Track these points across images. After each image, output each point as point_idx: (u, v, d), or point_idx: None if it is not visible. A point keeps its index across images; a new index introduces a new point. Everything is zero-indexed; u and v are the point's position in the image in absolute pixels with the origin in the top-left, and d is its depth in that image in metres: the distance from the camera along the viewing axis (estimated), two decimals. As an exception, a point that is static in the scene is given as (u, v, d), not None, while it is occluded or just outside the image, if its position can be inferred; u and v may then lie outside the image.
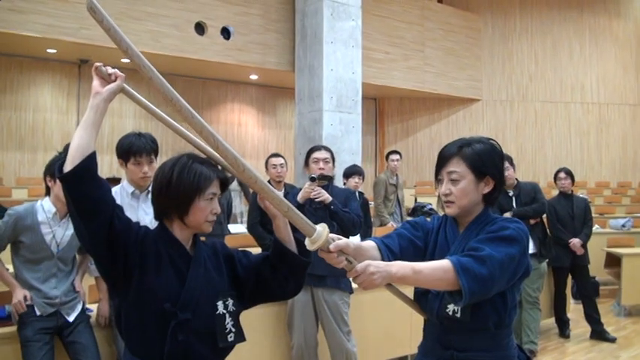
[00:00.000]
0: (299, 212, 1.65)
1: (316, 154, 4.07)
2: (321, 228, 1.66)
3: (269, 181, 5.30)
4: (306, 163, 4.14)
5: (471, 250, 1.78)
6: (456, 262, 1.70)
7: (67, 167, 1.61)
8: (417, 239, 2.00)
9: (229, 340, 1.83)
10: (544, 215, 5.68)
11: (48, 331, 3.03)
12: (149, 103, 1.86)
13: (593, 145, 13.19)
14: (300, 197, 3.83)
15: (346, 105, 9.73)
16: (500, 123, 13.56)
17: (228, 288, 1.88)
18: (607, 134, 13.27)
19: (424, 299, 1.95)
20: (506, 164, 5.50)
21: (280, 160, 5.32)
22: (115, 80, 1.75)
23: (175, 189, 1.79)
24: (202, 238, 2.03)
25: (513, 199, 5.48)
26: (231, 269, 1.93)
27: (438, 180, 2.00)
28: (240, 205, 7.29)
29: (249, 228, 5.35)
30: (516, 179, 5.55)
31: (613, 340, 5.82)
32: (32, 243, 3.04)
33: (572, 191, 6.24)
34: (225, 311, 1.83)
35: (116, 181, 10.05)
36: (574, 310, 6.37)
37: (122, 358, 3.06)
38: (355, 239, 5.48)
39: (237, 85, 12.59)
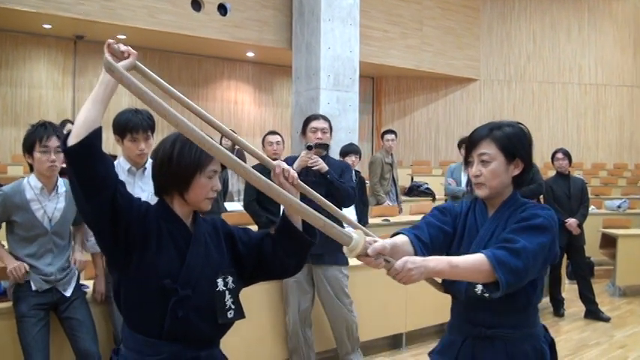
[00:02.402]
0: (334, 224, 1.64)
1: (314, 124, 4.07)
2: (357, 235, 1.67)
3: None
4: (304, 132, 4.13)
5: (505, 242, 1.81)
6: (492, 257, 1.74)
7: (72, 141, 1.58)
8: (446, 225, 2.04)
9: (229, 316, 1.83)
10: (541, 196, 5.69)
11: (43, 306, 3.02)
12: (162, 81, 1.82)
13: (590, 127, 13.19)
14: (296, 165, 3.79)
15: (343, 83, 9.68)
16: (497, 103, 13.52)
17: (228, 265, 1.87)
18: (604, 115, 13.26)
19: (452, 281, 1.99)
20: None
21: (277, 138, 5.29)
22: (127, 57, 1.72)
23: (177, 165, 1.77)
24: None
25: (510, 179, 5.48)
26: (231, 246, 1.92)
27: (468, 162, 2.04)
28: (236, 183, 7.27)
29: (245, 206, 5.34)
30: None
31: (607, 320, 5.86)
32: (24, 221, 3.01)
33: (569, 172, 6.25)
34: (224, 288, 1.83)
35: (112, 158, 10.00)
36: (568, 289, 6.41)
37: (120, 333, 3.07)
38: (351, 214, 5.51)
39: (233, 62, 12.50)
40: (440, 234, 2.00)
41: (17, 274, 2.95)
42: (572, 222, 5.88)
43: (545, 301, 6.15)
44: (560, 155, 6.19)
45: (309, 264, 3.94)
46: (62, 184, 3.15)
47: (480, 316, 1.96)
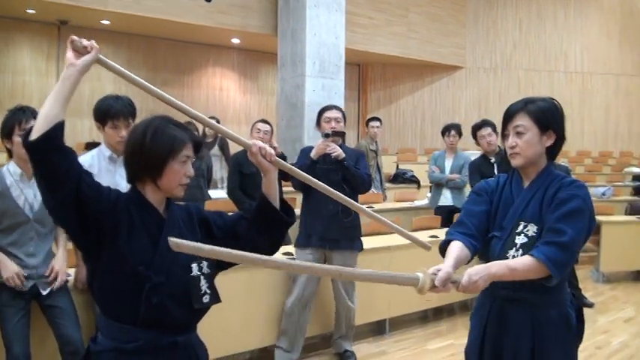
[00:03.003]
0: (392, 273, 1.79)
1: (328, 114, 4.21)
2: (422, 274, 1.79)
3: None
4: (318, 123, 4.27)
5: (553, 234, 1.96)
6: (545, 259, 1.90)
7: (33, 135, 1.58)
8: (484, 204, 2.22)
9: (204, 301, 1.81)
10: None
11: (24, 296, 2.97)
12: (125, 71, 1.82)
13: (575, 115, 13.22)
14: (314, 153, 3.97)
15: (329, 70, 9.63)
16: (483, 91, 13.54)
17: None
18: (590, 104, 13.31)
19: (489, 243, 2.17)
20: (489, 130, 5.52)
21: (266, 127, 5.27)
22: (89, 52, 1.72)
23: (148, 151, 1.76)
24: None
25: (495, 165, 5.49)
26: (206, 231, 1.91)
27: (504, 135, 2.20)
28: (220, 171, 7.25)
29: (228, 192, 5.33)
30: (499, 146, 5.55)
31: (591, 306, 5.91)
32: (6, 209, 2.94)
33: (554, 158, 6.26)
34: (199, 273, 1.81)
35: (96, 145, 9.91)
36: (552, 276, 6.44)
37: (97, 321, 3.04)
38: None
39: (219, 49, 12.40)
40: (482, 217, 2.19)
41: (15, 283, 2.90)
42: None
43: (529, 287, 6.21)
44: (544, 143, 6.20)
45: (325, 249, 4.10)
46: None
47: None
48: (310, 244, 4.08)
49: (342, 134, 4.11)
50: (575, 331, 2.18)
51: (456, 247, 2.04)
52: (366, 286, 4.45)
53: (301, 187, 4.09)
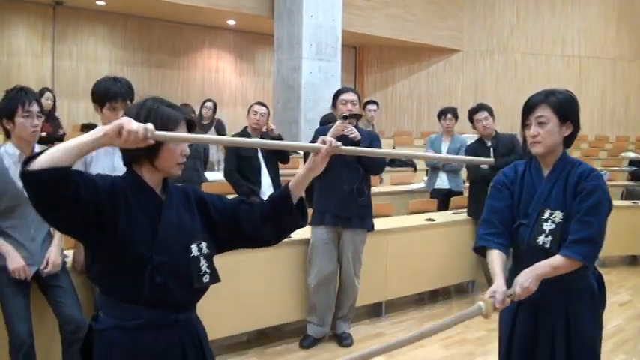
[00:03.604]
0: (457, 314, 2.05)
1: (344, 96, 4.28)
2: (482, 303, 2.05)
3: (246, 128, 5.31)
4: (334, 104, 4.35)
5: (581, 225, 2.16)
6: (582, 258, 2.13)
7: (35, 166, 1.51)
8: (506, 199, 2.37)
9: (204, 281, 1.84)
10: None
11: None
12: (182, 135, 1.79)
13: (571, 99, 13.26)
14: (331, 134, 3.98)
15: (326, 53, 9.61)
16: (480, 74, 13.52)
17: (201, 230, 1.88)
18: (586, 88, 13.31)
19: (516, 231, 2.32)
20: (486, 114, 5.51)
21: (263, 109, 5.28)
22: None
23: None
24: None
25: (491, 149, 5.49)
26: (203, 212, 1.92)
27: (525, 125, 2.34)
28: (216, 153, 7.23)
29: (225, 174, 5.34)
30: (495, 130, 5.56)
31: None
32: (4, 190, 2.93)
33: (549, 143, 6.28)
34: (199, 253, 1.84)
35: (91, 127, 9.87)
36: (546, 260, 6.48)
37: (97, 300, 3.05)
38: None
39: (214, 30, 12.33)
40: (506, 212, 2.35)
41: (21, 275, 2.91)
42: (552, 193, 5.93)
43: (524, 270, 6.25)
44: (541, 127, 6.21)
45: (337, 227, 4.23)
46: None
47: (538, 259, 2.19)
48: (324, 222, 4.20)
49: (359, 117, 4.24)
50: (599, 298, 2.36)
51: (498, 260, 2.24)
52: (363, 267, 4.47)
53: None
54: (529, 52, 13.39)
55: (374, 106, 7.56)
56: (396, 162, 9.45)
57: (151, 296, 1.74)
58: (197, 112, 7.70)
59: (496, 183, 2.43)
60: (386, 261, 4.89)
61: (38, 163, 1.51)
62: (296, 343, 4.33)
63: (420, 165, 8.88)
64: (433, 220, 5.50)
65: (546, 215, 2.25)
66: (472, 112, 5.62)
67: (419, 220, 5.49)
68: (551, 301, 2.27)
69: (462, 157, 2.18)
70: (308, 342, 4.32)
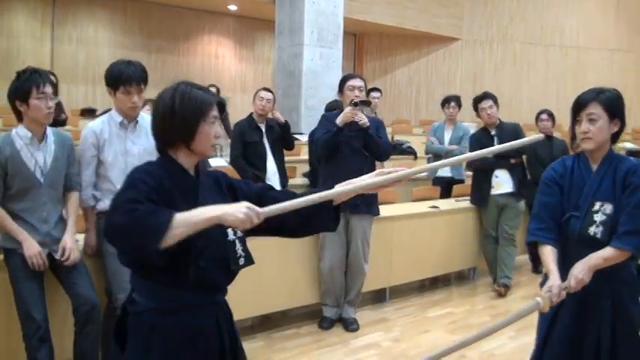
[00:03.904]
0: (516, 312, 2.18)
1: (352, 82, 4.33)
2: (540, 299, 2.20)
3: (251, 114, 5.32)
4: (341, 90, 4.40)
5: (630, 218, 2.29)
6: (634, 249, 2.29)
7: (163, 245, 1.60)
8: (556, 195, 2.47)
9: (240, 263, 1.88)
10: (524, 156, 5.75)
11: None
12: (287, 203, 1.76)
13: (569, 89, 13.21)
14: (341, 121, 4.15)
15: (327, 39, 9.60)
16: (479, 63, 13.53)
17: None
18: (584, 79, 13.32)
19: (567, 223, 2.42)
20: (490, 103, 5.53)
21: (269, 95, 5.30)
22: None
23: (180, 116, 1.78)
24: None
25: (495, 138, 5.52)
26: (233, 197, 1.94)
27: (576, 121, 2.43)
28: (221, 139, 7.20)
29: (231, 161, 5.36)
30: (499, 119, 5.58)
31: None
32: (17, 172, 2.93)
33: (552, 133, 6.32)
34: (234, 237, 1.87)
35: (91, 112, 9.83)
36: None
37: (115, 286, 3.07)
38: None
39: (215, 15, 12.28)
40: (556, 207, 2.45)
41: (37, 262, 2.92)
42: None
43: (524, 258, 6.31)
44: (544, 116, 6.25)
45: (345, 213, 4.21)
46: (50, 134, 3.09)
47: (587, 250, 2.32)
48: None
49: (368, 103, 4.34)
50: (636, 284, 2.48)
51: (551, 256, 2.37)
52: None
53: (325, 153, 4.21)
54: (528, 42, 13.40)
55: (377, 94, 7.56)
56: (396, 150, 9.48)
57: (195, 280, 1.77)
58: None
59: (546, 179, 2.53)
60: (391, 247, 4.93)
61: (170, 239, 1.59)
62: (303, 327, 4.37)
63: (420, 153, 8.90)
64: (437, 207, 5.54)
65: (597, 207, 2.37)
66: (477, 101, 5.64)
67: (423, 207, 5.53)
68: (601, 290, 2.36)
69: (510, 143, 2.20)
70: (327, 323, 4.41)
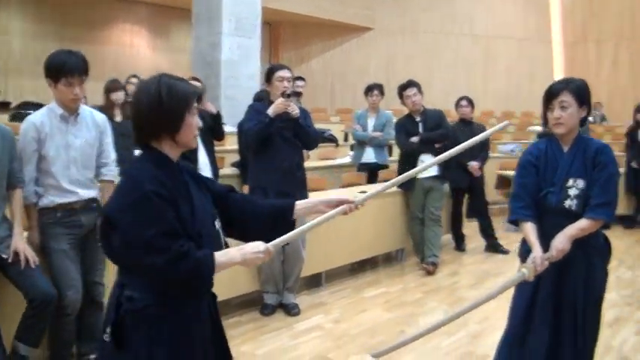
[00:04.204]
0: (503, 283, 2.54)
1: (281, 73, 4.37)
2: (525, 270, 2.49)
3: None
4: (269, 80, 4.41)
5: (602, 190, 2.59)
6: (606, 218, 2.61)
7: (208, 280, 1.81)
8: (532, 175, 2.73)
9: None
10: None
11: None
12: (297, 231, 2.01)
13: (479, 77, 13.85)
14: (273, 111, 4.20)
15: (245, 29, 9.54)
16: (391, 52, 13.86)
17: (213, 206, 1.95)
18: (493, 66, 13.96)
19: (544, 198, 2.69)
20: (415, 90, 5.74)
21: (199, 85, 5.25)
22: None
23: (167, 107, 1.77)
24: None
25: (420, 124, 5.74)
26: (210, 198, 1.98)
27: (548, 109, 2.71)
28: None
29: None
30: (423, 106, 5.80)
31: (506, 253, 6.38)
32: None
33: (472, 118, 6.63)
34: (219, 228, 1.92)
35: (4, 105, 9.29)
36: (467, 226, 6.86)
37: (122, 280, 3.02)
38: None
39: (129, 3, 11.92)
40: (533, 186, 2.72)
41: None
42: (474, 165, 6.29)
43: (448, 237, 6.59)
44: (464, 103, 6.55)
45: None
46: None
47: (562, 221, 2.63)
48: (267, 198, 4.19)
49: (300, 94, 4.35)
50: (608, 252, 2.82)
51: (533, 231, 2.64)
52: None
53: (257, 144, 4.24)
54: (439, 32, 13.86)
55: (302, 82, 7.63)
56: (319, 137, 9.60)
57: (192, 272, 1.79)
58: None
59: (522, 162, 2.81)
60: (326, 233, 5.04)
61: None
62: (245, 315, 4.40)
63: (340, 140, 9.10)
64: (366, 191, 5.67)
65: (570, 183, 2.66)
66: (402, 89, 5.84)
67: (352, 193, 5.66)
68: (575, 255, 2.61)
69: (479, 136, 2.45)
70: (269, 309, 4.46)
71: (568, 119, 2.66)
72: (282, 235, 1.97)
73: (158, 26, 12.51)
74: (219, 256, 1.77)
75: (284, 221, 2.04)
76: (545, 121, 2.77)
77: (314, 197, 2.13)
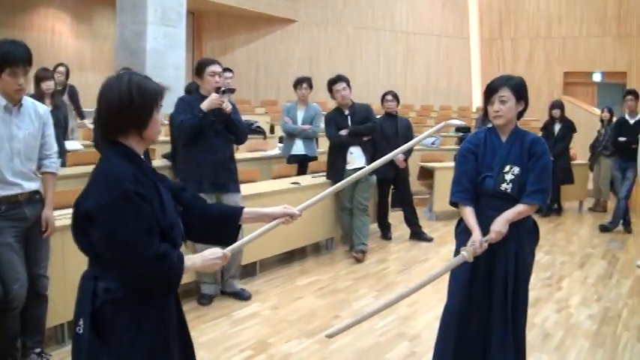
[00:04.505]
0: (446, 264, 2.81)
1: (212, 68, 4.44)
2: (465, 252, 2.73)
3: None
4: (200, 75, 4.47)
5: (537, 179, 2.85)
6: (541, 203, 2.87)
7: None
8: (472, 162, 2.97)
9: (183, 238, 2.06)
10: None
11: None
12: (250, 236, 2.23)
13: (399, 71, 14.27)
14: (207, 107, 4.29)
15: (170, 18, 9.46)
16: (314, 45, 14.04)
17: (172, 199, 2.04)
18: (413, 61, 14.41)
19: (482, 181, 2.94)
20: (344, 85, 5.95)
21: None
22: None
23: (138, 104, 1.84)
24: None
25: (349, 117, 5.97)
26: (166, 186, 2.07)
27: (489, 102, 2.95)
28: (71, 121, 6.92)
29: (95, 145, 5.22)
30: (351, 100, 6.02)
31: (430, 240, 6.73)
32: None
33: (396, 112, 6.92)
34: (178, 214, 2.03)
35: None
36: (391, 216, 7.17)
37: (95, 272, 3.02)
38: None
39: (51, -13, 11.48)
40: (472, 171, 2.97)
41: None
42: (399, 157, 6.58)
43: (374, 226, 6.87)
44: (389, 97, 6.83)
45: (215, 193, 4.47)
46: None
47: (499, 204, 2.91)
48: (203, 190, 4.32)
49: (233, 91, 4.56)
50: (537, 235, 3.10)
51: (472, 215, 2.91)
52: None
53: (190, 137, 4.32)
54: (361, 26, 14.16)
55: (230, 74, 7.65)
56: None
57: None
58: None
59: (463, 150, 3.05)
60: (261, 223, 5.16)
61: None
62: (185, 306, 4.45)
63: (268, 132, 9.22)
64: (298, 183, 5.87)
65: (507, 169, 2.91)
66: (331, 83, 6.03)
67: (285, 184, 5.83)
68: (509, 236, 2.85)
69: (419, 137, 2.69)
70: (207, 299, 4.56)
71: (507, 112, 2.90)
72: (224, 236, 2.15)
73: (81, 11, 12.09)
74: (185, 260, 1.89)
75: (231, 225, 2.18)
76: (485, 114, 3.03)
77: (259, 208, 2.28)
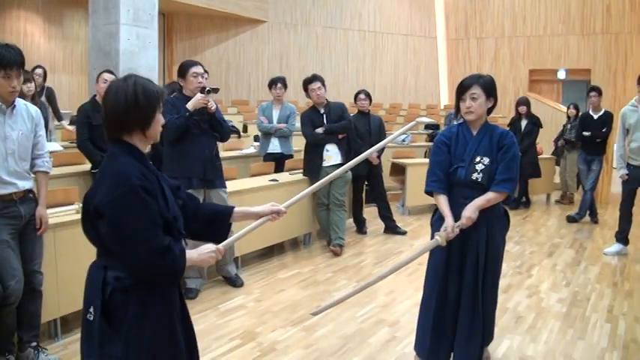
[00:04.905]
0: (420, 249, 3.05)
1: (195, 69, 4.65)
2: (439, 237, 2.98)
3: (94, 96, 5.32)
4: (183, 76, 4.67)
5: (506, 168, 3.08)
6: (509, 191, 3.09)
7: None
8: (445, 154, 3.21)
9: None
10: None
11: None
12: (241, 232, 2.40)
13: (368, 70, 14.49)
14: (192, 107, 4.48)
15: (143, 19, 9.51)
16: (284, 45, 14.19)
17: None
18: (381, 60, 14.64)
19: (455, 171, 3.16)
20: (319, 84, 6.15)
21: (112, 78, 5.32)
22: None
23: (144, 105, 1.99)
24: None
25: (324, 116, 6.17)
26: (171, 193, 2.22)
27: (461, 99, 3.17)
28: (50, 122, 6.98)
29: (79, 145, 5.33)
30: (326, 99, 6.23)
31: (404, 233, 6.99)
32: None
33: (369, 110, 7.15)
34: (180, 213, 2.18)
35: None
36: (366, 211, 7.40)
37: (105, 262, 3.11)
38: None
39: (23, -12, 11.38)
40: (446, 162, 3.21)
41: None
42: (373, 155, 6.79)
43: (349, 221, 7.09)
44: (362, 96, 7.06)
45: (204, 189, 4.66)
46: None
47: (470, 193, 3.14)
48: (192, 186, 4.52)
49: (217, 90, 4.69)
50: (506, 222, 3.33)
51: (445, 202, 3.14)
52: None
53: (176, 136, 4.47)
54: (329, 26, 14.34)
55: (206, 75, 7.77)
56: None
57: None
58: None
59: (437, 142, 3.29)
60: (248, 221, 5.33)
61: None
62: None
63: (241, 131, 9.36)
64: (277, 180, 6.06)
65: (478, 160, 3.13)
66: (307, 82, 6.23)
67: (264, 181, 6.01)
68: (479, 221, 3.06)
69: (392, 135, 2.91)
70: (193, 293, 4.72)
71: (477, 108, 3.13)
72: (217, 234, 2.29)
73: (52, 13, 12.01)
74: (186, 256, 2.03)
75: (223, 224, 2.33)
76: (457, 110, 3.25)
77: (248, 207, 2.43)
